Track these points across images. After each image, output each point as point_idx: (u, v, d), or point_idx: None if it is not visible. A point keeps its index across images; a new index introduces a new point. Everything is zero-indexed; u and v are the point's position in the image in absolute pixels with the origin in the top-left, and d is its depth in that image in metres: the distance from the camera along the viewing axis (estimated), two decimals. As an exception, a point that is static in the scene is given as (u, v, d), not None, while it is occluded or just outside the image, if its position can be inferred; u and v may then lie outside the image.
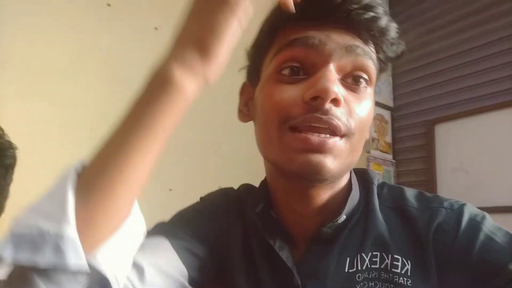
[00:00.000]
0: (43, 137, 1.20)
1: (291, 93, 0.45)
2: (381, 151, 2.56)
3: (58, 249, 0.33)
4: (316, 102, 0.43)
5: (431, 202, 0.51)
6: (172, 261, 0.48)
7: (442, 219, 0.48)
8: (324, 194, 0.50)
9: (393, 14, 2.69)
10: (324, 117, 0.43)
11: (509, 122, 2.13)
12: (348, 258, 0.49)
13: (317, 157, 0.43)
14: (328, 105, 0.43)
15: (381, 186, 0.56)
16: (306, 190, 0.49)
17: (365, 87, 0.47)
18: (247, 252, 0.53)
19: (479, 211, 0.49)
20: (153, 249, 0.46)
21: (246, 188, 0.62)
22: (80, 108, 1.30)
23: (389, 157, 2.62)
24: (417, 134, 2.55)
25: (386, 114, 2.64)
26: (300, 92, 0.44)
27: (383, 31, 0.47)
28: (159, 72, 0.38)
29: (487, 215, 0.49)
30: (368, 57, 0.46)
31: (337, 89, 0.43)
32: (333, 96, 0.42)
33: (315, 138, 0.43)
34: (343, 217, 0.50)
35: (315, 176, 0.45)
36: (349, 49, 0.45)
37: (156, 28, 1.54)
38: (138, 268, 0.43)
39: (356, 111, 0.45)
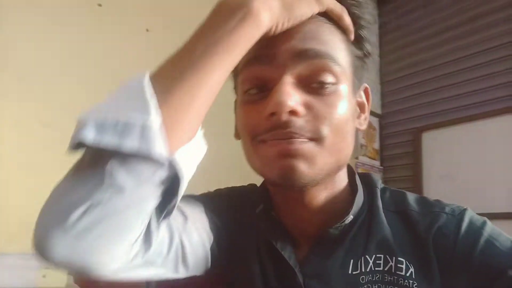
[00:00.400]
0: (29, 137, 1.18)
1: (256, 112, 0.46)
2: (369, 157, 2.59)
3: (144, 136, 0.33)
4: (275, 118, 0.43)
5: (433, 206, 0.51)
6: (204, 223, 0.53)
7: (442, 223, 0.49)
8: (320, 197, 0.50)
9: (383, 24, 2.74)
10: (285, 131, 0.43)
11: (495, 131, 2.18)
12: (352, 260, 0.49)
13: (289, 161, 0.43)
14: (286, 118, 0.42)
15: (384, 190, 0.56)
16: (300, 194, 0.49)
17: (333, 85, 0.45)
18: (257, 248, 0.54)
19: (479, 216, 0.50)
20: (192, 207, 0.51)
21: (252, 188, 0.63)
22: (69, 108, 1.29)
23: (377, 163, 2.65)
24: (405, 141, 2.58)
25: (374, 121, 2.67)
26: (262, 109, 0.44)
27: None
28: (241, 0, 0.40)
29: (488, 221, 0.49)
30: (324, 56, 0.44)
31: (292, 100, 0.42)
32: (287, 109, 0.42)
33: (284, 142, 0.43)
34: (350, 217, 0.50)
35: (292, 182, 0.44)
36: (299, 55, 0.44)
37: (147, 30, 1.52)
38: (183, 214, 0.49)
39: (325, 114, 0.44)
